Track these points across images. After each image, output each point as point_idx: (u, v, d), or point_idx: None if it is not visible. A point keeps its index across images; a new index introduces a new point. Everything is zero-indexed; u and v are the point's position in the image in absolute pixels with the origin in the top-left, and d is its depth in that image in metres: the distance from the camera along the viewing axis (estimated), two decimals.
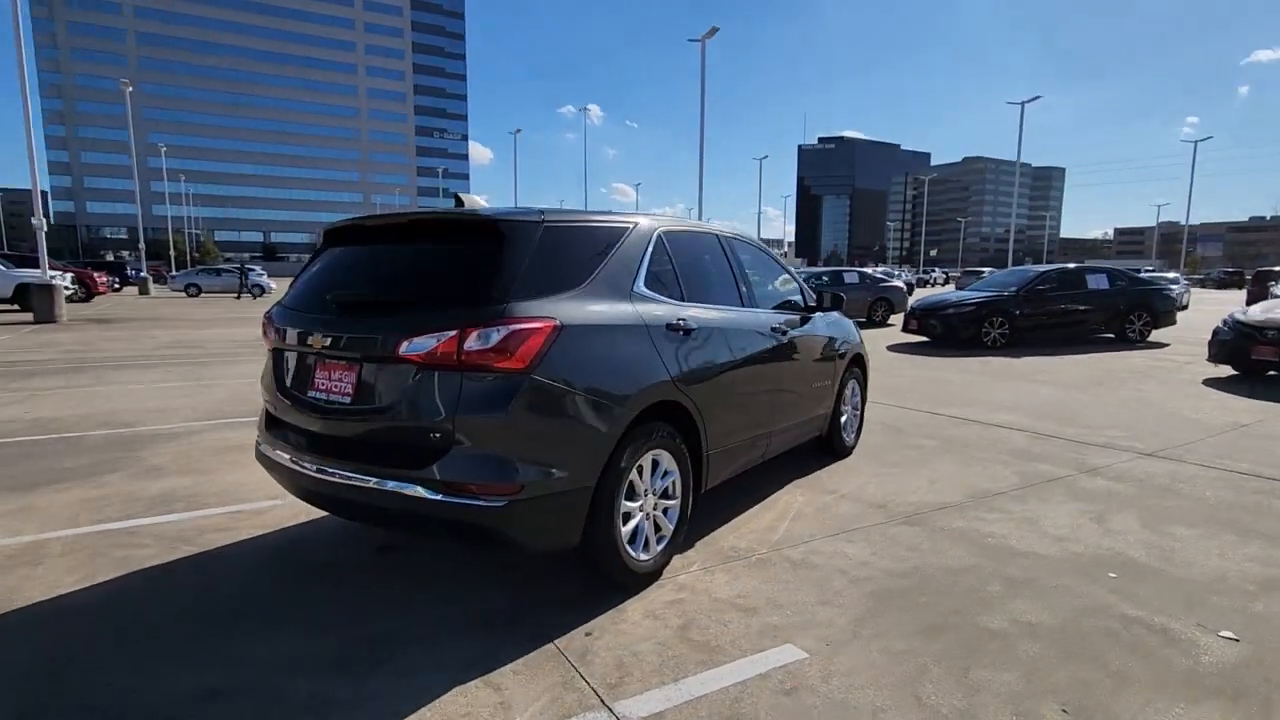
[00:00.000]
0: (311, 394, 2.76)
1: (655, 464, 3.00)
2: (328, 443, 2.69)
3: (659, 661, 2.38)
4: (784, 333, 4.05)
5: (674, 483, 3.11)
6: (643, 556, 2.93)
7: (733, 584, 3.00)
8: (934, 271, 61.93)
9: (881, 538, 3.55)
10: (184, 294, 32.79)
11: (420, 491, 2.41)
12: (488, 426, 2.39)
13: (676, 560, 3.24)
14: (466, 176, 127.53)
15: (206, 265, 44.48)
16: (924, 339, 12.89)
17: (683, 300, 3.29)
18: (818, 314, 4.68)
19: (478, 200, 3.18)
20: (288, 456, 2.79)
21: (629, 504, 2.85)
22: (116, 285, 32.98)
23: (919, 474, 4.70)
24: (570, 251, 2.81)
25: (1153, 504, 4.08)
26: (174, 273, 36.86)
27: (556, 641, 2.51)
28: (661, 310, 3.07)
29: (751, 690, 2.22)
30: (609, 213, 3.18)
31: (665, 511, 3.10)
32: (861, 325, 16.59)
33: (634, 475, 2.85)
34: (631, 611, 2.74)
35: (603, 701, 2.15)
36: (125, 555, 3.27)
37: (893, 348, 12.42)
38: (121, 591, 2.91)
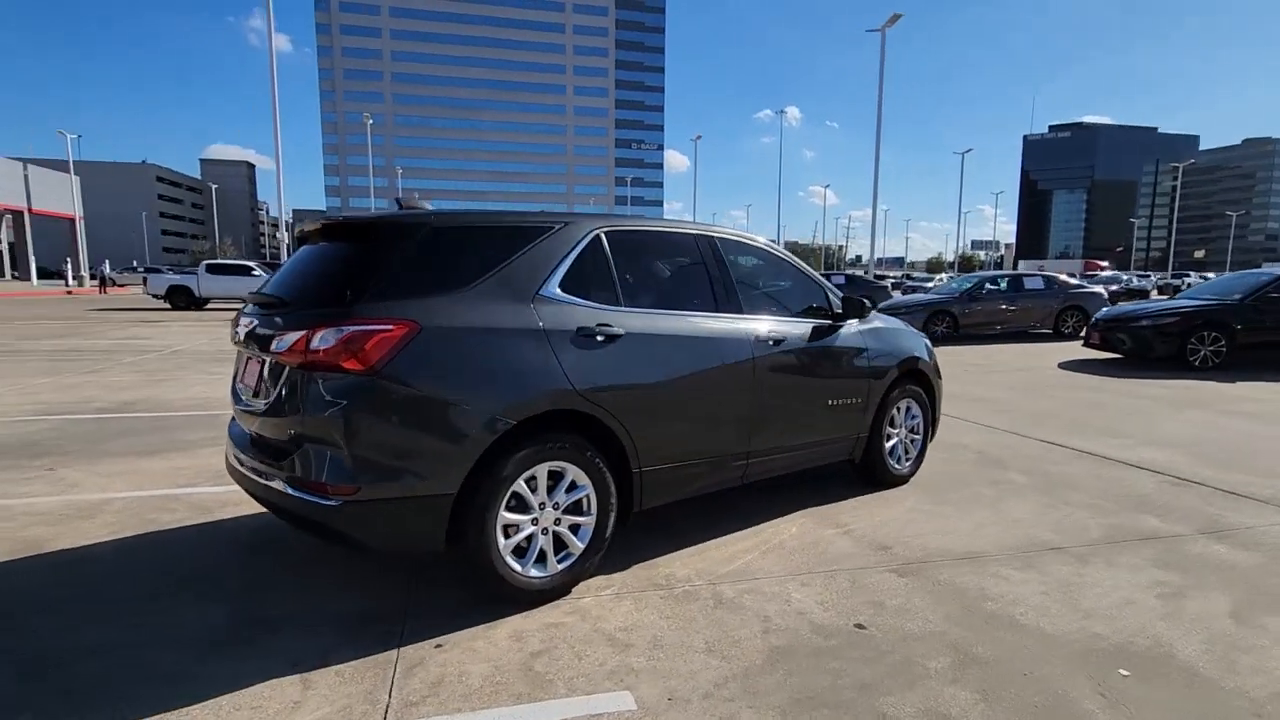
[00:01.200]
0: (239, 389, 3.00)
1: (557, 476, 2.84)
2: (245, 439, 2.91)
3: (479, 686, 2.25)
4: (776, 343, 3.62)
5: (586, 499, 2.92)
6: (534, 573, 2.78)
7: (632, 615, 2.75)
8: (1189, 276, 51.91)
9: (848, 585, 3.03)
10: None
11: (283, 487, 2.51)
12: (327, 426, 2.42)
13: (598, 580, 3.04)
14: (660, 184, 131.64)
15: None
16: (1112, 355, 10.85)
17: (616, 305, 3.07)
18: (853, 323, 4.14)
19: (424, 204, 3.24)
20: (232, 453, 3.03)
21: (514, 516, 2.72)
22: None
23: (971, 515, 3.95)
24: (459, 253, 2.75)
25: (1272, 584, 3.04)
26: None
27: (403, 649, 2.47)
28: (577, 315, 2.90)
29: None
30: (533, 213, 3.07)
31: (575, 528, 2.92)
32: (1046, 338, 14.47)
33: (521, 487, 2.71)
34: (502, 629, 2.62)
35: (384, 718, 2.07)
36: (154, 518, 3.80)
37: (1066, 365, 10.62)
38: (119, 548, 3.39)
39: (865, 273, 30.71)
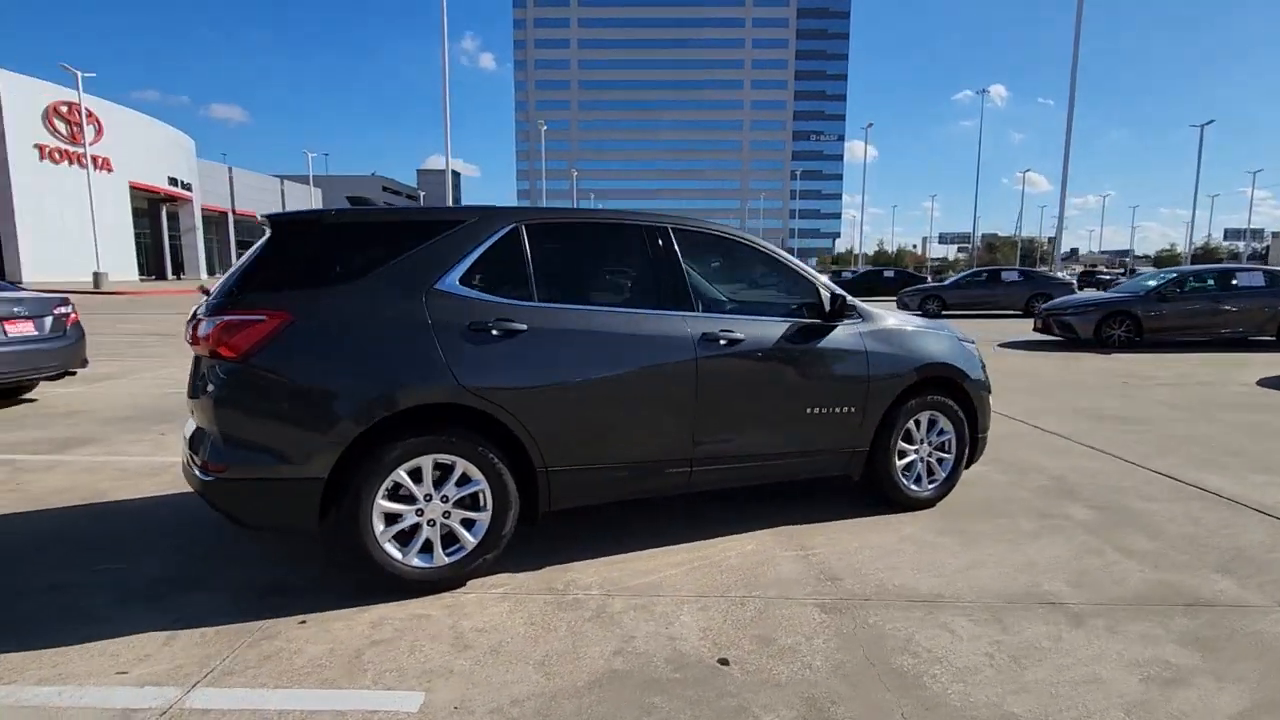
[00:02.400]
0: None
1: (446, 469, 2.84)
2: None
3: (300, 666, 2.33)
4: (731, 344, 3.32)
5: (481, 494, 2.90)
6: (417, 563, 2.82)
7: (500, 617, 2.68)
8: None
9: (753, 615, 2.71)
10: None
11: (193, 467, 2.78)
12: (206, 408, 2.64)
13: (500, 577, 3.01)
14: (839, 177, 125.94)
15: None
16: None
17: (528, 300, 3.01)
18: (850, 322, 3.69)
19: (375, 201, 3.41)
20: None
21: (396, 505, 2.77)
22: None
23: (974, 551, 3.36)
24: (350, 248, 2.85)
25: None
26: None
27: (266, 621, 2.62)
28: (474, 309, 2.88)
29: None
30: (449, 209, 3.09)
31: (470, 524, 2.91)
32: (1264, 346, 11.84)
33: (403, 477, 2.76)
34: (369, 614, 2.68)
35: (194, 682, 2.22)
36: None
37: (1269, 381, 8.59)
38: (144, 506, 3.95)
39: (1051, 268, 27.34)
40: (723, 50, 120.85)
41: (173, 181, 45.38)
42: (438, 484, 2.84)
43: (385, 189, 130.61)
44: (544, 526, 3.43)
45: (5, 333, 6.05)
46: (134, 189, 41.35)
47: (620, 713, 2.10)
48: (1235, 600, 2.85)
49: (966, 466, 4.22)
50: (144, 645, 2.44)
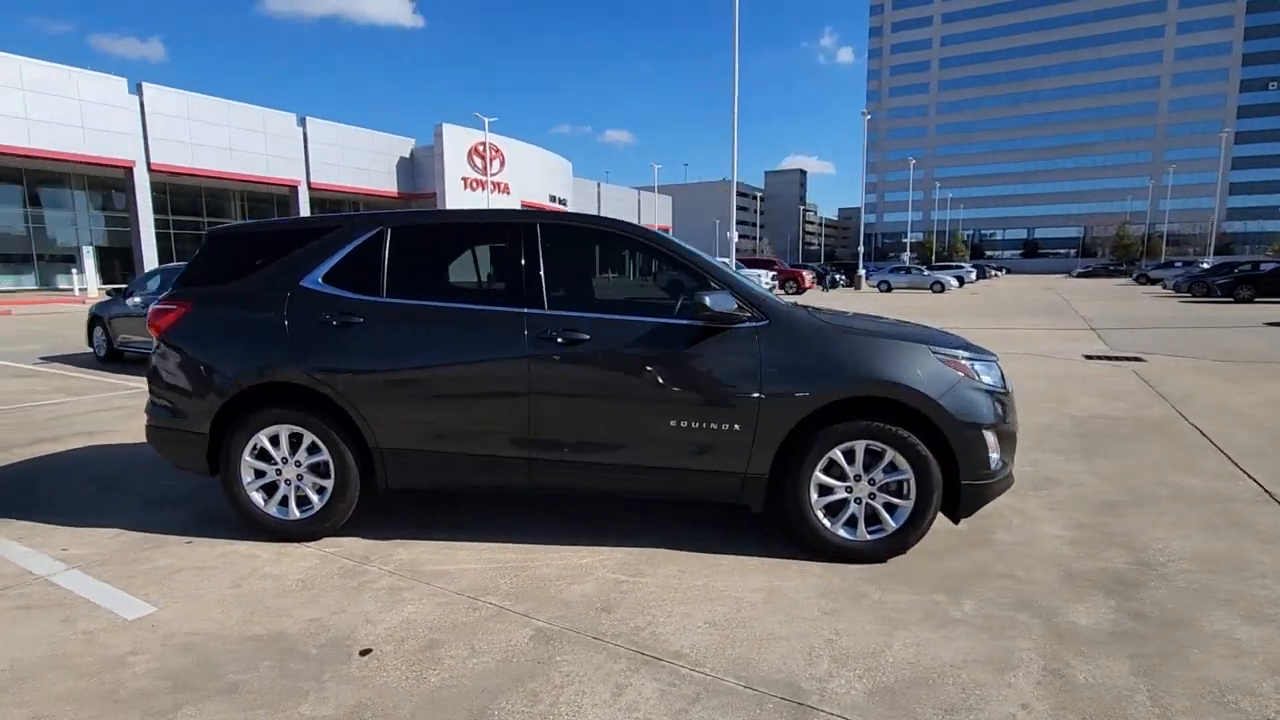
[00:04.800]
0: None
1: (297, 439, 3.33)
2: None
3: (139, 569, 3.06)
4: (571, 343, 3.13)
5: (327, 464, 3.32)
6: (275, 514, 3.37)
7: (288, 568, 3.08)
8: None
9: (471, 621, 2.61)
10: (876, 289, 37.22)
11: None
12: (147, 373, 3.55)
13: (342, 539, 3.39)
14: None
15: (899, 264, 48.45)
16: None
17: (375, 295, 3.31)
18: (753, 324, 3.13)
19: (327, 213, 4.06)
20: None
21: (260, 464, 3.36)
22: (838, 281, 40.57)
23: (844, 624, 2.61)
24: (239, 252, 3.54)
25: None
26: (864, 269, 42.19)
27: (175, 536, 3.43)
28: (326, 303, 3.30)
29: (80, 616, 2.72)
30: (326, 216, 3.54)
31: (321, 490, 3.35)
32: None
33: (264, 441, 3.33)
34: (221, 548, 3.29)
35: (77, 566, 3.10)
36: None
37: None
38: None
39: None
40: None
41: (552, 198, 55.08)
42: (293, 450, 3.35)
43: (736, 192, 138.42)
44: (440, 504, 3.73)
45: None
46: (524, 206, 51.44)
47: (246, 663, 2.33)
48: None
49: (955, 521, 3.20)
50: (96, 538, 3.45)
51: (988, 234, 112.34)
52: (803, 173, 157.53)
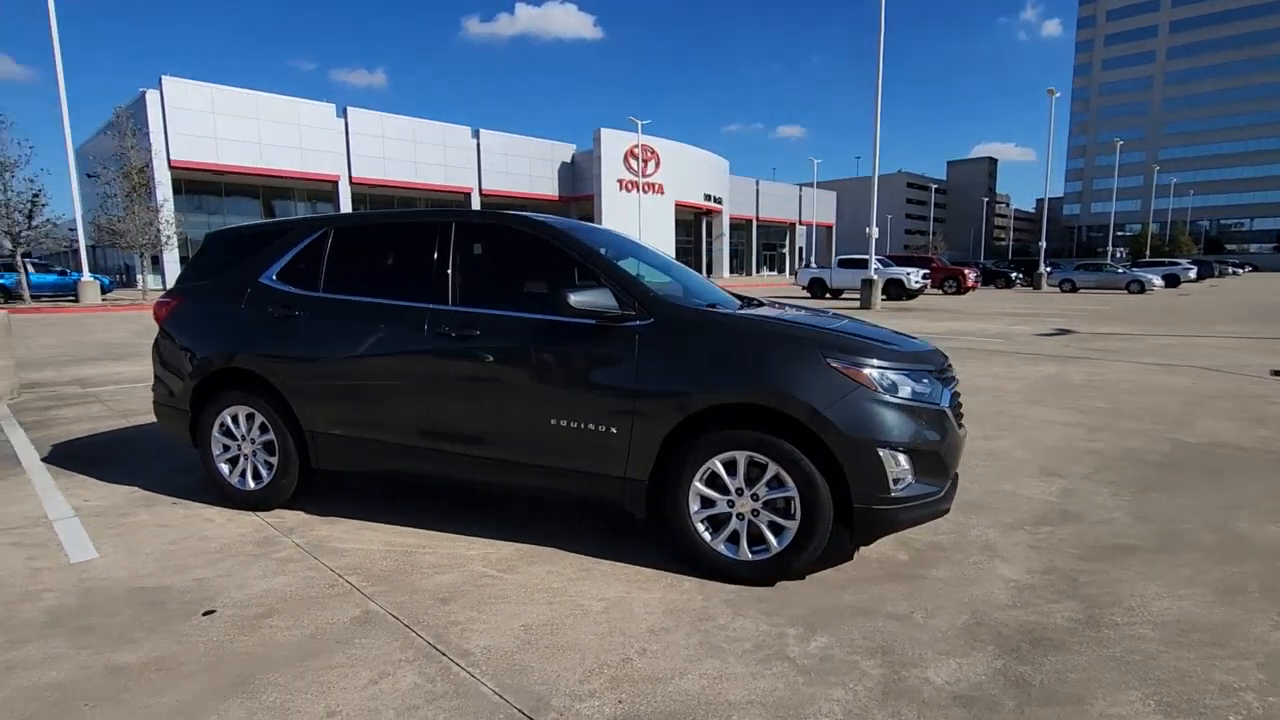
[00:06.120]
0: None
1: (251, 419, 3.72)
2: None
3: (119, 522, 3.58)
4: (465, 338, 3.19)
5: (273, 443, 3.67)
6: (236, 484, 3.78)
7: (223, 531, 3.44)
8: None
9: (308, 595, 2.78)
10: (1057, 289, 32.87)
11: None
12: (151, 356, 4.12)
13: (284, 513, 3.70)
14: None
15: (1088, 261, 41.97)
16: None
17: (314, 290, 3.61)
18: (637, 322, 3.00)
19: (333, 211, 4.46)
20: None
21: (226, 440, 3.79)
22: (1018, 279, 36.47)
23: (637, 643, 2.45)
24: (219, 252, 4.00)
25: None
26: (1048, 268, 37.11)
27: (164, 496, 3.97)
28: (274, 298, 3.65)
29: (43, 555, 3.26)
30: (287, 220, 3.90)
31: (270, 465, 3.72)
32: None
33: (227, 420, 3.77)
34: (192, 511, 3.75)
35: (79, 513, 3.70)
36: None
37: None
38: None
39: None
40: None
41: (707, 197, 55.20)
42: (249, 429, 3.75)
43: (909, 184, 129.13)
44: (400, 488, 3.98)
45: None
46: (678, 206, 52.02)
47: (113, 610, 2.68)
48: None
49: (856, 546, 2.85)
50: (114, 494, 4.09)
51: (1229, 224, 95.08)
52: (992, 161, 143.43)
